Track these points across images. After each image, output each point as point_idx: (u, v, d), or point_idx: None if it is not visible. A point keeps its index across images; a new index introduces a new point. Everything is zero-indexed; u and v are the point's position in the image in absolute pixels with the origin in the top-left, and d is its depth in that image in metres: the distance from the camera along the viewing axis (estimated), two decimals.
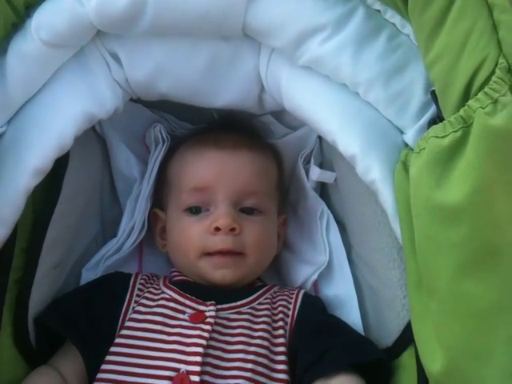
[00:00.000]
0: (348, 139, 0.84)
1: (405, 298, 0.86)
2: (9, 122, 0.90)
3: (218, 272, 0.96)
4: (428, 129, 0.79)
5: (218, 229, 0.95)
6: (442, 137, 0.69)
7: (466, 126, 0.68)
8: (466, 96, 0.70)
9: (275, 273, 1.10)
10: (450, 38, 0.71)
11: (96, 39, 0.92)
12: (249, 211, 0.99)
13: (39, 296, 0.93)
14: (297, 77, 0.90)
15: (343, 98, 0.86)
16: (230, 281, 0.97)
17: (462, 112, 0.69)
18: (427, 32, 0.74)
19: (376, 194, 0.83)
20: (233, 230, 0.95)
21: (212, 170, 0.99)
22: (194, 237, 0.97)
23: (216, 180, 0.97)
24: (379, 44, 0.83)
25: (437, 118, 0.79)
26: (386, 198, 0.81)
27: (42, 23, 0.85)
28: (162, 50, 0.93)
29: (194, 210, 0.99)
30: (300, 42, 0.85)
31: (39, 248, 0.92)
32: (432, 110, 0.81)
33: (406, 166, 0.80)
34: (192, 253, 0.97)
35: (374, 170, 0.82)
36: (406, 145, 0.84)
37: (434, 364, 0.73)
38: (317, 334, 0.91)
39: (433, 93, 0.80)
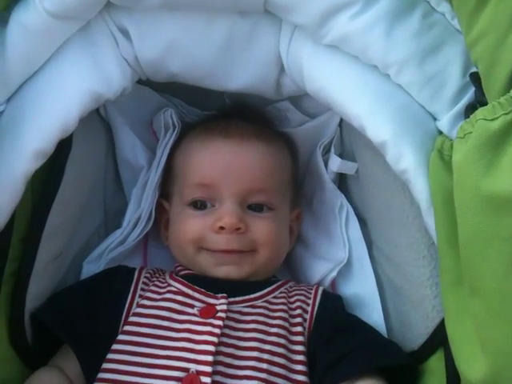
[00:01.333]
0: (378, 124, 0.77)
1: (435, 298, 0.80)
2: (8, 100, 0.83)
3: (222, 269, 0.90)
4: (466, 115, 0.74)
5: (222, 228, 0.88)
6: (492, 119, 0.63)
7: None
8: None
9: (288, 269, 1.04)
10: (496, 12, 0.65)
11: (104, 12, 0.85)
12: (257, 208, 0.92)
13: (37, 289, 0.86)
14: (321, 56, 0.83)
15: (372, 79, 0.80)
16: (236, 277, 0.90)
17: None
18: (471, 6, 0.68)
19: (407, 184, 0.77)
20: (238, 229, 0.89)
21: (218, 165, 0.92)
22: (194, 231, 0.90)
23: (222, 176, 0.91)
24: (413, 22, 0.77)
25: (476, 103, 0.72)
26: (420, 188, 0.75)
27: None
28: (175, 25, 0.86)
29: (199, 205, 0.92)
30: (327, 17, 0.78)
31: (38, 238, 0.85)
32: (470, 94, 0.75)
33: (442, 155, 0.74)
34: (189, 247, 0.91)
35: (406, 159, 0.75)
36: (440, 132, 0.78)
37: (473, 370, 0.66)
38: (338, 333, 0.85)
39: (472, 75, 0.74)
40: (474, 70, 0.74)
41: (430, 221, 0.75)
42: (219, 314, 0.84)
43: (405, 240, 0.84)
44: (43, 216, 0.85)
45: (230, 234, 0.89)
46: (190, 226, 0.91)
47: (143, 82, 0.98)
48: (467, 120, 0.68)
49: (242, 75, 0.91)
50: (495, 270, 0.62)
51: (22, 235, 0.85)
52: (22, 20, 0.80)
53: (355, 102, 0.79)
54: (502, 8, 0.65)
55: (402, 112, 0.77)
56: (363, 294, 0.94)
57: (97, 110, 0.99)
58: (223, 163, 0.91)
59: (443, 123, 0.76)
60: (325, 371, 0.81)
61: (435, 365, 0.81)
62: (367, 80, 0.80)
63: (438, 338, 0.79)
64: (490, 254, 0.62)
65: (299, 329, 0.86)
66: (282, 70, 0.90)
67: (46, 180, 0.86)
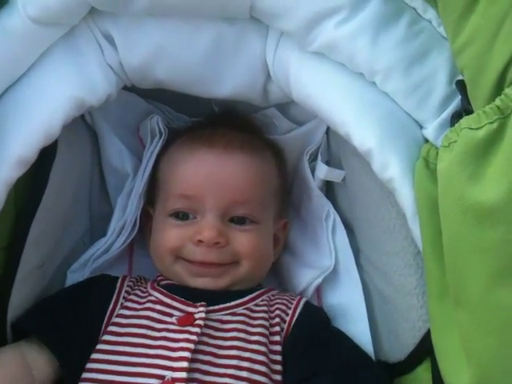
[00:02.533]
0: (364, 132, 0.76)
1: (422, 307, 0.79)
2: None
3: (198, 280, 0.89)
4: (452, 123, 0.73)
5: (201, 241, 0.88)
6: (477, 128, 0.62)
7: (503, 116, 0.61)
8: (501, 84, 0.63)
9: (275, 277, 1.03)
10: (483, 20, 0.65)
11: (88, 18, 0.84)
12: (239, 221, 0.91)
13: (19, 299, 0.85)
14: (307, 64, 0.82)
15: (358, 87, 0.79)
16: (213, 289, 0.89)
17: (498, 101, 0.62)
18: (457, 14, 0.67)
19: (393, 192, 0.76)
20: (217, 243, 0.88)
21: (201, 176, 0.90)
22: (173, 241, 0.89)
23: (204, 187, 0.89)
24: (399, 29, 0.77)
25: (462, 111, 0.72)
26: (405, 197, 0.74)
27: None
28: (161, 31, 0.85)
29: (181, 216, 0.91)
30: (313, 24, 0.78)
31: (21, 246, 0.83)
32: (456, 102, 0.75)
33: (427, 163, 0.73)
34: (167, 256, 0.90)
35: (392, 167, 0.75)
36: (426, 140, 0.77)
37: (459, 381, 0.65)
38: (311, 348, 0.83)
39: (458, 83, 0.73)
40: (460, 77, 0.73)
41: (415, 229, 0.75)
42: (197, 322, 0.83)
43: (392, 248, 0.83)
44: (27, 223, 0.84)
45: (208, 248, 0.88)
46: (169, 235, 0.90)
47: (129, 88, 0.97)
48: (452, 129, 0.67)
49: (228, 82, 0.90)
50: (478, 281, 0.61)
51: (5, 243, 0.83)
52: (5, 25, 0.79)
53: (341, 109, 0.79)
54: (487, 16, 0.64)
55: (387, 120, 0.77)
56: (349, 302, 0.93)
57: (82, 117, 0.98)
58: (206, 174, 0.90)
59: (429, 131, 0.76)
60: None
61: (422, 375, 0.80)
62: (353, 87, 0.79)
63: (425, 348, 0.78)
64: (473, 265, 0.62)
65: (277, 338, 0.85)
66: (268, 76, 0.89)
67: (30, 187, 0.85)
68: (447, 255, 0.66)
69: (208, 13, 0.83)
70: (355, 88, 0.79)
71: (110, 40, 0.86)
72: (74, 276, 0.96)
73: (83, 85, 0.84)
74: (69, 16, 0.81)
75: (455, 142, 0.65)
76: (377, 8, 0.76)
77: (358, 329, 0.89)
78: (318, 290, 0.97)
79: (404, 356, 0.83)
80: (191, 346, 0.80)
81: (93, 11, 0.83)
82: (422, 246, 0.73)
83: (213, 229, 0.87)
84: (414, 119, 0.78)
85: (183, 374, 0.77)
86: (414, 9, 0.78)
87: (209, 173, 0.90)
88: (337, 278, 0.96)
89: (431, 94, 0.76)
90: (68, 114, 0.82)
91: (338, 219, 0.98)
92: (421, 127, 0.78)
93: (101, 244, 0.99)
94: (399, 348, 0.84)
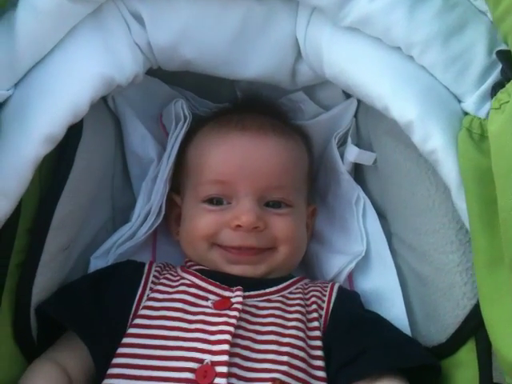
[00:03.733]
0: (403, 104, 0.75)
1: (466, 284, 0.77)
2: (16, 85, 0.79)
3: (236, 267, 0.87)
4: (493, 93, 0.72)
5: (239, 226, 0.85)
6: None
7: None
8: None
9: (303, 266, 0.99)
10: None
11: None
12: (275, 205, 0.89)
13: (44, 282, 0.82)
14: (341, 39, 0.81)
15: (396, 60, 0.78)
16: (251, 276, 0.87)
17: None
18: None
19: (435, 166, 0.75)
20: (256, 228, 0.86)
21: (234, 161, 0.88)
22: (208, 227, 0.87)
23: (239, 172, 0.87)
24: (435, 1, 0.75)
25: (504, 81, 0.70)
26: (450, 168, 0.72)
27: None
28: (189, 10, 0.84)
29: (215, 201, 0.89)
30: None
31: (46, 228, 0.81)
32: (496, 73, 0.73)
33: (471, 133, 0.72)
34: (201, 243, 0.88)
35: (434, 138, 0.73)
36: (465, 114, 0.75)
37: None
38: (354, 330, 0.81)
39: (500, 52, 0.72)
40: (501, 47, 0.72)
41: (460, 202, 0.73)
42: (235, 306, 0.81)
43: (431, 226, 0.81)
44: (52, 205, 0.81)
45: (247, 233, 0.86)
46: (204, 221, 0.88)
47: (153, 73, 0.95)
48: (502, 90, 0.66)
49: (257, 62, 0.88)
50: None
51: (29, 225, 0.81)
52: (34, 1, 0.77)
53: (378, 82, 0.77)
54: None
55: (426, 92, 0.76)
56: (383, 287, 0.91)
57: (105, 103, 0.96)
58: (240, 159, 0.88)
59: (468, 104, 0.75)
60: (338, 368, 0.77)
61: (466, 356, 0.77)
62: (390, 61, 0.78)
63: (470, 327, 0.76)
64: None
65: (316, 323, 0.83)
66: (298, 55, 0.88)
67: (55, 168, 0.83)
68: (504, 220, 0.63)
69: None
70: (392, 61, 0.78)
71: (139, 19, 0.84)
72: (98, 262, 0.93)
73: (111, 62, 0.82)
74: None
75: (507, 102, 0.64)
76: None
77: (394, 314, 0.87)
78: (349, 276, 0.95)
79: (445, 338, 0.80)
80: (231, 329, 0.77)
81: None
82: (469, 219, 0.71)
83: (251, 213, 0.85)
84: (452, 93, 0.76)
85: (224, 357, 0.74)
86: None
87: (243, 157, 0.88)
88: (368, 263, 0.94)
89: (470, 66, 0.74)
90: (96, 91, 0.80)
91: (369, 203, 0.96)
92: (459, 101, 0.76)
93: (125, 230, 0.96)
94: (440, 330, 0.81)
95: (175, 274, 0.87)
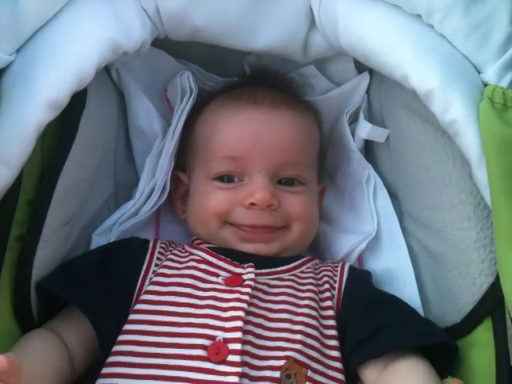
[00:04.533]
0: (424, 72, 0.73)
1: (483, 262, 0.74)
2: (19, 50, 0.76)
3: (249, 245, 0.84)
4: None
5: (253, 204, 0.82)
6: None
7: None
8: None
9: (311, 247, 0.96)
10: None
11: None
12: (288, 182, 0.86)
13: (45, 257, 0.78)
14: (359, 6, 0.79)
15: (416, 28, 0.76)
16: (265, 254, 0.84)
17: None
18: None
19: (454, 137, 0.72)
20: (270, 206, 0.83)
21: (247, 136, 0.85)
22: (221, 205, 0.84)
23: (252, 148, 0.84)
24: None
25: None
26: (471, 139, 0.70)
27: None
28: None
29: (226, 179, 0.86)
30: None
31: (48, 200, 0.77)
32: None
33: (492, 103, 0.70)
34: (213, 221, 0.85)
35: (455, 107, 0.71)
36: (485, 85, 0.73)
37: None
38: (370, 308, 0.79)
39: None
40: None
41: (480, 175, 0.70)
42: (247, 283, 0.78)
43: (447, 203, 0.79)
44: (54, 177, 0.78)
45: (261, 211, 0.83)
46: (215, 199, 0.85)
47: (159, 46, 0.92)
48: None
49: (269, 32, 0.86)
50: None
51: (30, 197, 0.77)
52: None
53: (398, 50, 0.75)
54: None
55: (447, 61, 0.74)
56: (394, 267, 0.88)
57: (109, 75, 0.93)
58: (253, 134, 0.85)
59: (490, 74, 0.73)
60: (355, 347, 0.75)
61: (482, 336, 0.75)
62: (410, 29, 0.76)
63: (487, 306, 0.74)
64: None
65: (329, 303, 0.80)
66: (312, 25, 0.85)
67: (58, 138, 0.79)
68: None
69: None
70: (412, 29, 0.76)
71: None
72: (100, 239, 0.90)
73: (118, 27, 0.79)
74: None
75: None
76: None
77: (406, 294, 0.84)
78: (359, 257, 0.92)
79: (460, 318, 0.78)
80: (244, 305, 0.74)
81: None
82: (491, 192, 0.68)
83: (266, 190, 0.82)
84: (472, 63, 0.74)
85: (238, 334, 0.71)
86: None
87: (256, 132, 0.85)
88: (379, 243, 0.91)
89: (492, 35, 0.73)
90: (103, 56, 0.77)
91: (380, 182, 0.94)
92: (479, 72, 0.74)
93: (128, 207, 0.93)
94: (454, 310, 0.79)
95: (183, 251, 0.85)
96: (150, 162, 0.94)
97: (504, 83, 0.71)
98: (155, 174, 0.93)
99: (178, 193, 0.94)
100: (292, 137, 0.86)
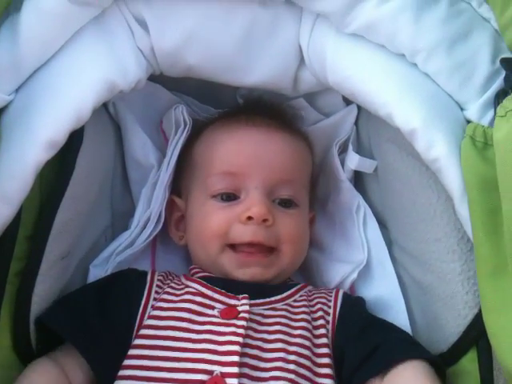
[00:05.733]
0: (407, 111, 0.75)
1: (467, 293, 0.77)
2: (18, 89, 0.79)
3: (246, 271, 0.86)
4: (496, 101, 0.72)
5: (250, 218, 0.84)
6: None
7: None
8: None
9: (303, 273, 0.99)
10: None
11: (120, 1, 0.82)
12: (284, 203, 0.89)
13: (43, 290, 0.81)
14: (345, 46, 0.81)
15: (400, 68, 0.78)
16: (261, 280, 0.86)
17: None
18: None
19: (438, 174, 0.75)
20: (265, 220, 0.85)
21: (245, 152, 0.88)
22: (219, 222, 0.86)
23: (250, 164, 0.87)
24: (440, 8, 0.76)
25: (508, 88, 0.71)
26: (453, 176, 0.72)
27: None
28: (194, 15, 0.84)
29: (225, 197, 0.88)
30: (352, 4, 0.77)
31: (46, 235, 0.80)
32: (499, 81, 0.74)
33: (474, 141, 0.72)
34: (214, 243, 0.86)
35: (437, 146, 0.73)
36: (468, 122, 0.76)
37: None
38: (366, 330, 0.81)
39: (504, 60, 0.73)
40: (505, 55, 0.73)
41: (462, 211, 0.73)
42: (242, 315, 0.80)
43: (432, 235, 0.81)
44: (52, 212, 0.80)
45: (257, 225, 0.85)
46: (215, 218, 0.87)
47: (155, 79, 0.95)
48: (508, 98, 0.66)
49: (260, 68, 0.88)
50: None
51: (29, 232, 0.80)
52: (39, 4, 0.77)
53: (383, 90, 0.77)
54: None
55: (430, 100, 0.76)
56: (385, 295, 0.90)
57: (106, 108, 0.96)
58: (251, 151, 0.88)
59: (472, 112, 0.75)
60: (354, 368, 0.77)
61: (467, 366, 0.77)
62: (394, 68, 0.78)
63: (471, 337, 0.76)
64: None
65: (322, 331, 0.82)
66: (301, 62, 0.88)
67: (56, 174, 0.82)
68: (508, 228, 0.63)
69: None
70: (396, 69, 0.78)
71: (142, 23, 0.84)
72: (97, 270, 0.92)
73: (115, 68, 0.82)
74: None
75: None
76: None
77: (397, 321, 0.86)
78: (352, 285, 0.94)
79: (447, 347, 0.80)
80: (240, 339, 0.76)
81: None
82: (472, 227, 0.71)
83: (262, 204, 0.85)
84: (455, 101, 0.77)
85: (235, 369, 0.73)
86: None
87: (254, 149, 0.88)
88: (370, 272, 0.94)
89: (474, 74, 0.75)
90: (99, 96, 0.80)
91: (369, 211, 0.96)
92: (462, 109, 0.77)
93: (124, 237, 0.95)
94: (442, 339, 0.81)
95: (179, 283, 0.87)
96: (145, 193, 0.97)
97: (485, 121, 0.73)
98: (150, 204, 0.96)
99: (172, 219, 0.96)
100: (288, 156, 0.90)
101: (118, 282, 0.86)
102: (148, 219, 0.95)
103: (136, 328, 0.80)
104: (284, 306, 0.84)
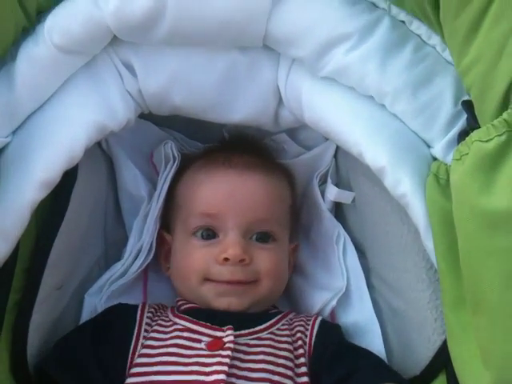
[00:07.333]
0: (376, 151, 0.80)
1: (436, 321, 0.81)
2: (14, 132, 0.85)
3: (223, 300, 0.91)
4: (458, 141, 0.77)
5: (226, 259, 0.90)
6: (487, 141, 0.66)
7: (511, 129, 0.65)
8: (507, 99, 0.67)
9: (288, 299, 1.04)
10: (487, 41, 0.69)
11: (109, 48, 0.88)
12: (262, 238, 0.94)
13: (39, 320, 0.86)
14: (319, 88, 0.86)
15: (369, 108, 0.83)
16: (236, 308, 0.91)
17: (505, 115, 0.66)
18: (462, 37, 0.71)
19: (406, 208, 0.79)
20: (242, 261, 0.90)
21: (222, 194, 0.93)
22: (199, 262, 0.91)
23: (226, 205, 0.92)
24: (405, 54, 0.81)
25: (468, 129, 0.76)
26: (418, 211, 0.77)
27: (56, 26, 0.81)
28: (178, 59, 0.89)
29: (205, 235, 0.93)
30: (324, 51, 0.82)
31: (42, 268, 0.85)
32: (461, 121, 0.79)
33: (437, 179, 0.77)
34: (194, 277, 0.92)
35: (404, 183, 0.78)
36: (434, 158, 0.81)
37: None
38: (340, 356, 0.85)
39: (465, 102, 0.77)
40: (465, 98, 0.77)
41: (428, 243, 0.77)
42: (227, 345, 0.84)
43: (404, 265, 0.86)
44: (48, 245, 0.86)
45: (233, 266, 0.90)
46: (194, 257, 0.92)
47: (144, 115, 1.01)
48: (463, 142, 0.71)
49: (242, 107, 0.94)
50: (496, 282, 0.64)
51: (26, 265, 0.85)
52: (32, 53, 0.82)
53: (353, 130, 0.82)
54: (491, 36, 0.68)
55: (397, 139, 0.80)
56: (363, 321, 0.95)
57: (98, 143, 1.01)
58: (227, 193, 0.93)
59: (437, 150, 0.79)
60: None
61: None
62: (363, 109, 0.83)
63: (440, 361, 0.80)
64: (488, 270, 0.64)
65: (302, 359, 0.86)
66: (280, 102, 0.93)
67: (51, 210, 0.87)
68: (463, 262, 0.68)
69: (223, 42, 0.87)
70: (365, 110, 0.83)
71: (130, 68, 0.90)
72: (92, 299, 0.97)
73: (105, 110, 0.87)
74: (92, 44, 0.85)
75: (466, 154, 0.69)
76: (384, 34, 0.81)
77: (373, 346, 0.91)
78: (332, 311, 0.99)
79: (419, 371, 0.85)
80: (225, 368, 0.80)
81: (114, 41, 0.87)
82: (436, 259, 0.75)
83: (237, 246, 0.90)
84: (421, 139, 0.82)
85: None
86: (419, 35, 0.82)
87: (230, 191, 0.93)
88: (349, 298, 0.98)
89: (438, 115, 0.79)
90: (90, 138, 0.85)
91: (349, 240, 1.01)
92: (428, 146, 0.82)
93: (117, 268, 1.00)
94: (414, 363, 0.85)
95: (167, 320, 0.91)
96: (136, 225, 1.02)
97: (449, 160, 0.77)
98: (142, 235, 1.01)
99: (162, 251, 1.01)
100: (262, 195, 0.94)
101: (109, 323, 0.90)
102: (139, 250, 1.00)
103: (128, 367, 0.85)
104: (268, 335, 0.88)
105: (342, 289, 0.98)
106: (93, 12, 0.81)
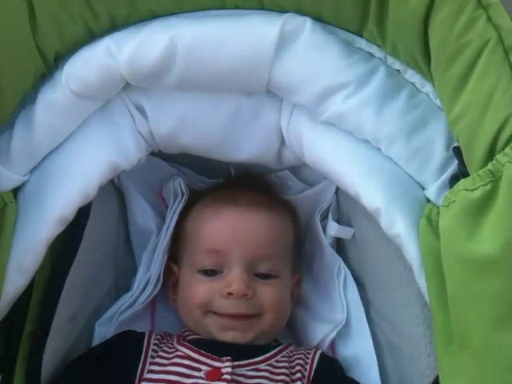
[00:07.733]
0: (372, 192, 0.84)
1: (430, 356, 0.85)
2: (32, 170, 0.90)
3: (227, 334, 0.95)
4: (450, 185, 0.81)
5: (230, 294, 0.94)
6: (472, 190, 0.70)
7: (495, 179, 0.69)
8: (492, 150, 0.71)
9: (289, 331, 1.08)
10: (474, 95, 0.73)
11: (122, 92, 0.94)
12: (263, 276, 0.98)
13: (52, 349, 0.91)
14: (319, 132, 0.91)
15: (365, 152, 0.87)
16: (241, 342, 0.95)
17: (490, 166, 0.70)
18: (451, 89, 0.76)
19: (401, 247, 0.83)
20: (245, 295, 0.95)
21: (227, 232, 0.98)
22: (203, 294, 0.96)
23: (230, 242, 0.97)
24: (400, 101, 0.85)
25: (459, 174, 0.80)
26: (412, 251, 0.81)
27: (73, 74, 0.87)
28: (186, 103, 0.95)
29: (209, 272, 0.98)
30: (323, 98, 0.87)
31: (56, 299, 0.90)
32: (453, 166, 0.83)
33: (430, 221, 0.80)
34: (197, 309, 0.96)
35: (398, 224, 0.82)
36: (428, 200, 0.85)
37: None
38: None
39: (455, 149, 0.81)
40: (456, 144, 0.81)
41: (422, 282, 0.81)
42: (224, 377, 0.88)
43: (400, 301, 0.89)
44: (62, 278, 0.90)
45: (237, 300, 0.94)
46: (198, 290, 0.96)
47: (154, 152, 1.06)
48: (450, 190, 0.75)
49: (246, 148, 0.99)
50: (481, 326, 0.67)
51: (41, 296, 0.90)
52: (49, 98, 0.88)
53: (350, 172, 0.87)
54: (478, 91, 0.73)
55: (392, 181, 0.85)
56: (361, 353, 0.98)
57: (111, 179, 1.06)
58: (231, 230, 0.98)
59: (430, 192, 0.83)
60: None
61: None
62: (360, 152, 0.87)
63: None
64: (475, 312, 0.68)
65: None
66: (282, 142, 0.98)
67: (65, 244, 0.92)
68: (451, 303, 0.72)
69: (229, 88, 0.92)
70: (362, 153, 0.87)
71: (142, 111, 0.95)
72: (102, 329, 1.02)
73: (117, 151, 0.93)
74: (106, 90, 0.91)
75: (454, 201, 0.73)
76: (380, 83, 0.86)
77: (371, 379, 0.94)
78: (332, 343, 1.03)
79: None
80: None
81: (127, 86, 0.92)
82: (428, 297, 0.79)
83: (241, 281, 0.94)
84: (416, 181, 0.86)
85: None
86: (413, 83, 0.87)
87: (234, 228, 0.98)
88: (349, 331, 1.02)
89: (431, 159, 0.83)
90: (103, 176, 0.91)
91: (349, 274, 1.05)
92: (422, 188, 0.86)
93: (126, 298, 1.05)
94: None
95: (171, 346, 0.95)
96: (145, 257, 1.07)
97: (441, 202, 0.81)
98: (150, 267, 1.06)
99: (169, 283, 1.06)
100: (265, 232, 0.99)
101: (117, 349, 0.94)
102: (147, 282, 1.05)
103: None
104: (266, 367, 0.92)
105: (342, 321, 1.02)
106: (107, 61, 0.87)
